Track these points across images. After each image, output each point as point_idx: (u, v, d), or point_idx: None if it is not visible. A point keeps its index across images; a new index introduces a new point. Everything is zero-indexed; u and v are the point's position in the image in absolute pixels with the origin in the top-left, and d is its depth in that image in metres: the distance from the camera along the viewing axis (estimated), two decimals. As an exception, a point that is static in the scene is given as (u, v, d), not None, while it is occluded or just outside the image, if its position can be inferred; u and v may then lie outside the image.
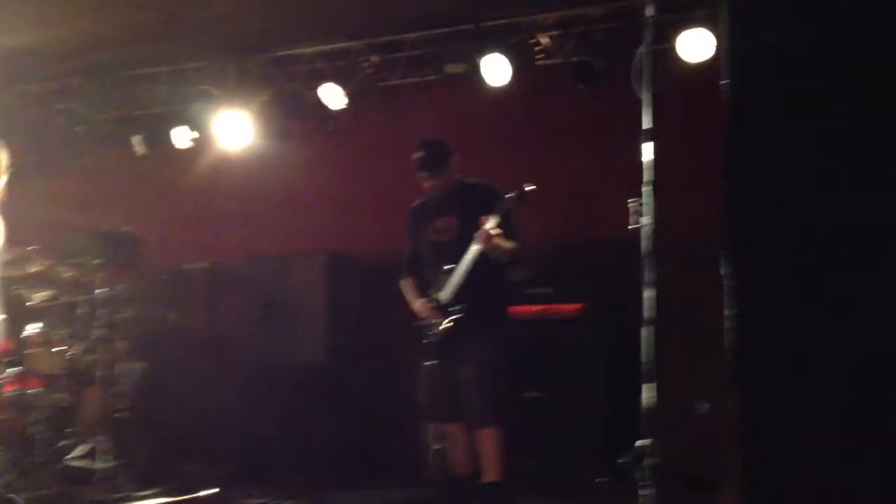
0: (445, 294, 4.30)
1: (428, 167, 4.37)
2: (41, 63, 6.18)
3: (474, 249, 4.18)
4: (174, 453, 5.72)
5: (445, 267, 4.28)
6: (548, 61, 5.40)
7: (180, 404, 5.78)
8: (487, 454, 4.27)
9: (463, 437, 4.41)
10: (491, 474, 4.28)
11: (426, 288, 4.44)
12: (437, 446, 4.87)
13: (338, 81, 5.66)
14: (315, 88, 5.71)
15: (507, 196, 4.19)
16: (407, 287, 4.55)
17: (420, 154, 4.39)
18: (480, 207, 4.26)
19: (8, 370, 5.50)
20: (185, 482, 5.24)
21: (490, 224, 4.12)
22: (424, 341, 4.36)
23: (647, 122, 2.94)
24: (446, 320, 4.26)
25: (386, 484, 5.24)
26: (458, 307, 4.24)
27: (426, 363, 4.36)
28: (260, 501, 4.91)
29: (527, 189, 4.19)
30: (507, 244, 4.17)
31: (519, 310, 4.98)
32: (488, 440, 4.26)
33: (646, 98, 2.95)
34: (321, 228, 6.20)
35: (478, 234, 4.15)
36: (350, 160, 6.21)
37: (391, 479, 5.28)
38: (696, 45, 4.90)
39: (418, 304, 4.40)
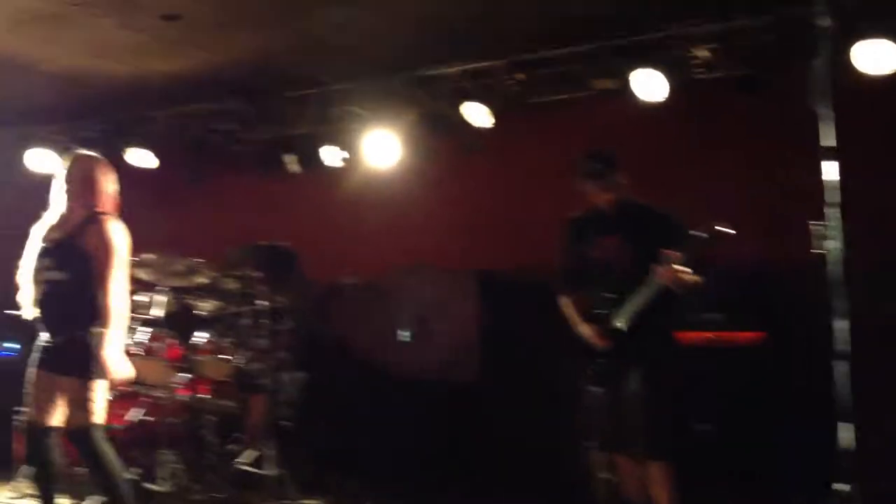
0: (617, 320, 4.21)
1: (596, 176, 4.30)
2: (199, 86, 6.64)
3: (656, 282, 4.07)
4: (333, 464, 6.05)
5: (615, 294, 4.21)
6: (707, 75, 5.29)
7: (335, 417, 6.09)
8: (656, 488, 4.22)
9: (631, 469, 4.36)
10: None
11: (586, 305, 4.36)
12: (603, 475, 4.90)
13: (483, 99, 5.81)
14: (461, 107, 5.88)
15: (698, 235, 3.99)
16: (568, 305, 4.45)
17: (589, 162, 4.33)
18: (654, 233, 4.18)
19: (179, 375, 5.99)
20: (343, 493, 5.58)
21: (677, 263, 3.98)
22: (590, 366, 4.32)
23: (828, 140, 2.81)
24: (613, 345, 4.21)
25: None
26: (627, 334, 4.18)
27: (591, 389, 4.32)
28: None
29: (722, 231, 3.96)
30: (691, 280, 4.05)
31: (688, 336, 4.89)
32: (657, 474, 4.21)
33: (825, 113, 2.82)
34: (469, 245, 6.39)
35: (662, 270, 4.04)
36: (496, 178, 6.36)
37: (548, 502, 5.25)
38: (875, 57, 4.62)
39: (587, 329, 4.30)
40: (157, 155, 6.99)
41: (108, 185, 4.26)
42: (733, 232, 3.93)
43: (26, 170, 7.28)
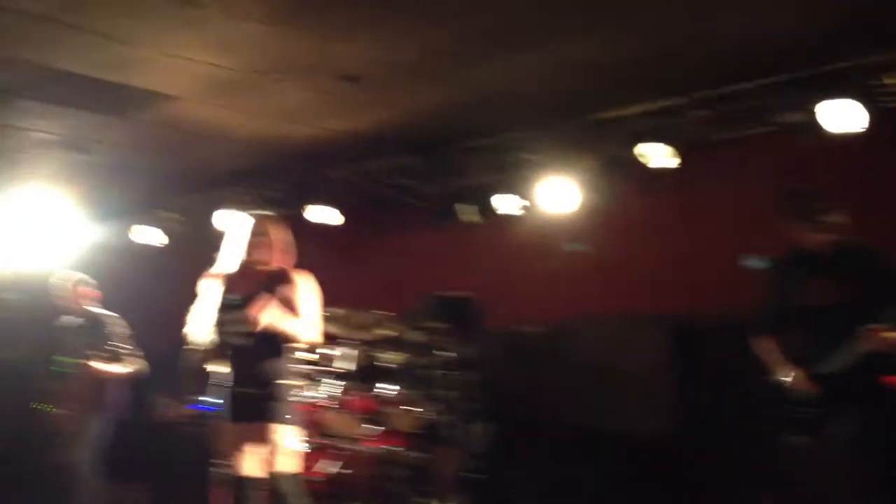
0: (827, 368, 4.07)
1: (805, 217, 4.16)
2: (377, 143, 6.91)
3: (865, 347, 3.93)
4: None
5: (826, 339, 4.05)
6: (896, 103, 5.02)
7: (525, 468, 6.09)
8: None
9: None
10: None
11: (787, 350, 4.22)
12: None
13: (663, 139, 5.74)
14: (641, 149, 5.82)
15: None
16: (768, 348, 4.31)
17: (796, 201, 4.20)
18: (866, 272, 4.05)
19: (369, 428, 6.20)
20: None
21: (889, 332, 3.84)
22: (792, 414, 4.19)
23: None
24: (821, 392, 4.07)
25: None
26: (837, 380, 4.04)
27: (793, 440, 4.20)
28: None
29: None
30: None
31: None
32: None
33: None
34: (654, 290, 6.27)
35: (868, 335, 3.91)
36: (680, 220, 6.24)
37: None
38: None
39: (791, 373, 4.17)
40: (342, 211, 7.33)
41: (290, 242, 4.46)
42: None
43: (215, 230, 7.83)
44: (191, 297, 6.82)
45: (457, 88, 5.75)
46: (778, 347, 4.28)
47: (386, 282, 7.50)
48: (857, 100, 4.98)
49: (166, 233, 8.34)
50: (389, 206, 7.32)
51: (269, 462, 4.17)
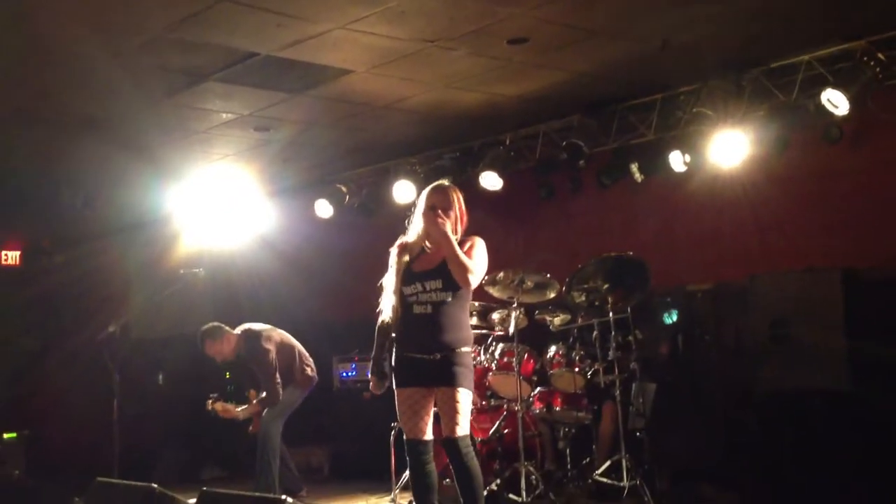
0: None
1: None
2: (545, 105, 7.20)
3: None
4: (691, 475, 6.21)
5: None
6: None
7: (692, 426, 6.25)
8: None
9: None
10: None
11: None
12: None
13: (839, 86, 5.71)
14: (815, 96, 5.81)
15: None
16: None
17: None
18: None
19: (535, 389, 6.55)
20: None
21: None
22: None
23: None
24: None
25: None
26: None
27: None
28: None
29: None
30: None
31: None
32: None
33: None
34: (829, 243, 6.26)
35: None
36: (857, 169, 6.18)
37: None
38: None
39: None
40: (507, 176, 7.69)
41: (464, 212, 4.72)
42: None
43: (392, 201, 8.41)
44: (363, 267, 7.46)
45: (626, 44, 5.91)
46: None
47: (553, 244, 7.79)
48: None
49: (341, 206, 8.87)
50: (557, 168, 7.56)
51: (449, 425, 4.46)
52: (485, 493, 5.34)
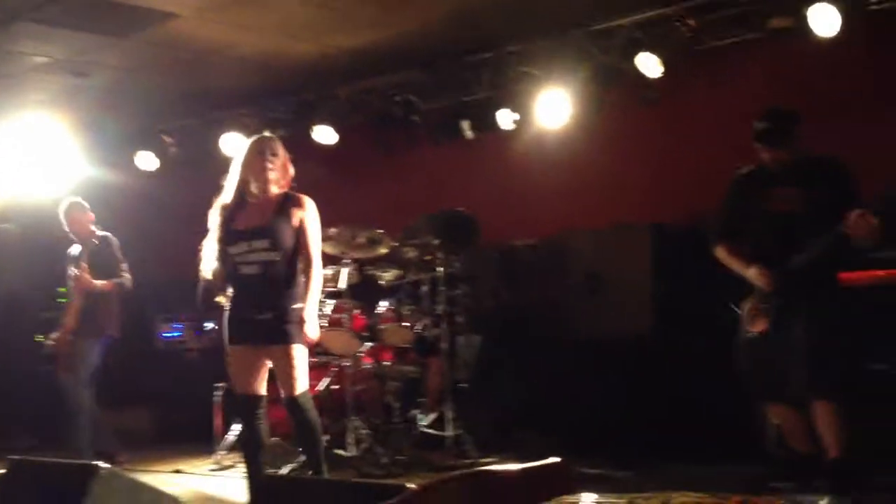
0: (793, 266, 4.61)
1: (770, 141, 4.68)
2: (379, 60, 7.52)
3: (840, 232, 4.38)
4: (511, 422, 6.76)
5: (789, 243, 4.60)
6: (883, 5, 5.56)
7: (514, 376, 6.82)
8: (823, 429, 4.54)
9: (794, 417, 4.77)
10: (833, 451, 4.52)
11: (749, 255, 4.81)
12: (777, 422, 5.37)
13: (655, 49, 6.31)
14: (632, 59, 6.39)
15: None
16: (727, 253, 4.94)
17: (764, 125, 4.70)
18: (827, 181, 4.61)
19: (364, 344, 6.92)
20: (523, 450, 6.11)
21: (869, 218, 4.29)
22: (751, 312, 4.80)
23: None
24: (779, 289, 4.63)
25: (722, 458, 5.63)
26: (796, 278, 4.59)
27: (749, 336, 4.82)
28: (594, 472, 5.61)
29: None
30: (878, 230, 4.32)
31: (861, 275, 5.20)
32: (820, 413, 4.54)
33: None
34: (643, 200, 6.91)
35: (855, 221, 4.33)
36: (670, 129, 6.83)
37: (728, 454, 5.64)
38: None
39: (753, 271, 4.74)
40: (341, 130, 7.98)
41: (290, 164, 4.85)
42: None
43: (221, 153, 8.54)
44: (191, 223, 7.53)
45: (457, 1, 6.29)
46: (737, 251, 4.89)
47: (385, 199, 8.12)
48: (843, 2, 5.49)
49: (166, 158, 8.94)
50: (391, 124, 7.89)
51: (287, 383, 4.66)
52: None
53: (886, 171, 4.46)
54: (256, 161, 4.72)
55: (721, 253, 5.01)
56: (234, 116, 8.55)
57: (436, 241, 6.66)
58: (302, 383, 4.70)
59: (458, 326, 6.68)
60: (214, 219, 4.78)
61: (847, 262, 4.85)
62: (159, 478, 6.23)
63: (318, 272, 4.79)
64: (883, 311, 5.20)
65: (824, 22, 5.57)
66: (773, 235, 4.77)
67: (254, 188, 4.74)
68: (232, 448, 6.66)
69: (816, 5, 5.57)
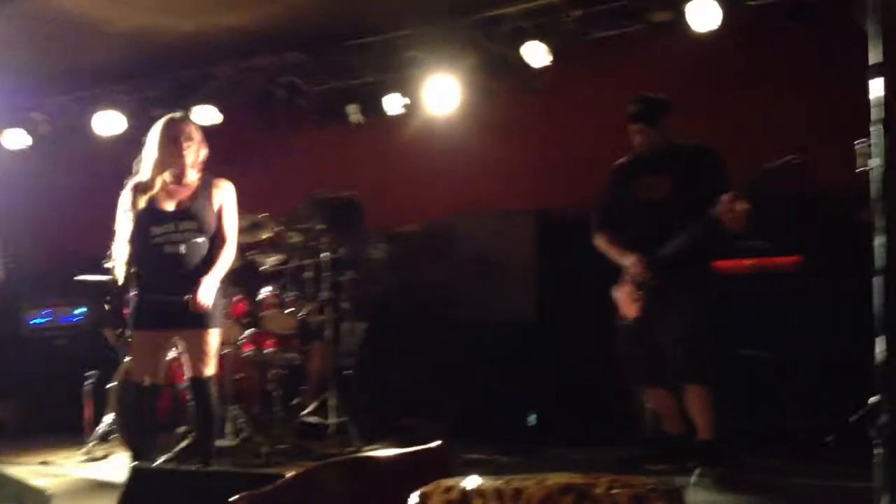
0: (665, 253, 4.85)
1: (644, 118, 4.95)
2: (262, 39, 7.44)
3: (710, 218, 4.62)
4: (396, 409, 6.84)
5: (661, 230, 4.84)
6: (759, 0, 5.83)
7: (400, 362, 6.90)
8: (695, 412, 4.80)
9: (669, 400, 5.01)
10: (704, 433, 4.79)
11: (625, 244, 5.04)
12: (650, 405, 5.62)
13: (541, 39, 6.44)
14: (519, 48, 6.51)
15: (770, 167, 4.49)
16: (605, 242, 5.16)
17: (637, 106, 4.98)
18: (697, 169, 4.86)
19: (245, 331, 6.87)
20: (408, 436, 6.22)
21: (739, 202, 4.52)
22: (626, 298, 5.01)
23: (874, 57, 3.07)
24: (653, 276, 4.87)
25: (600, 441, 5.91)
26: (669, 266, 4.82)
27: (627, 322, 5.05)
28: (478, 457, 5.74)
29: (794, 163, 4.42)
30: (747, 216, 4.56)
31: (731, 264, 5.52)
32: (693, 397, 4.79)
33: (873, 30, 3.08)
34: (529, 187, 7.06)
35: (725, 207, 4.55)
36: (555, 118, 7.01)
37: (606, 437, 5.95)
38: None
39: (629, 260, 4.96)
40: (222, 111, 7.88)
41: (204, 144, 4.97)
42: (799, 162, 4.44)
43: (94, 132, 8.35)
44: (64, 204, 7.29)
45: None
46: (615, 240, 5.12)
47: (270, 183, 8.07)
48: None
49: (37, 137, 8.66)
50: (274, 106, 7.83)
51: (197, 366, 4.77)
52: (188, 441, 5.71)
53: (758, 162, 4.68)
54: (172, 146, 4.80)
55: (600, 242, 5.22)
56: (109, 94, 8.34)
57: (321, 226, 6.67)
58: (211, 367, 4.82)
59: (342, 313, 6.71)
60: (128, 199, 4.80)
61: (719, 250, 5.08)
62: (25, 469, 6.06)
63: (231, 254, 4.96)
64: (752, 299, 5.46)
65: (704, 16, 5.80)
66: (645, 224, 4.99)
67: (170, 174, 4.82)
68: (104, 438, 6.53)
69: (695, 1, 5.78)
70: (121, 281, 4.81)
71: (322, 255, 6.62)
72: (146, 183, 4.80)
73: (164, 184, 4.80)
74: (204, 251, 4.82)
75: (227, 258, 4.93)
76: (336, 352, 6.65)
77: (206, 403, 4.81)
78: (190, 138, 4.84)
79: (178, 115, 5.03)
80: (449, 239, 6.89)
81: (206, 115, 7.87)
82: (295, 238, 6.79)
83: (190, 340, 4.79)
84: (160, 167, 4.79)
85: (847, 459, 4.21)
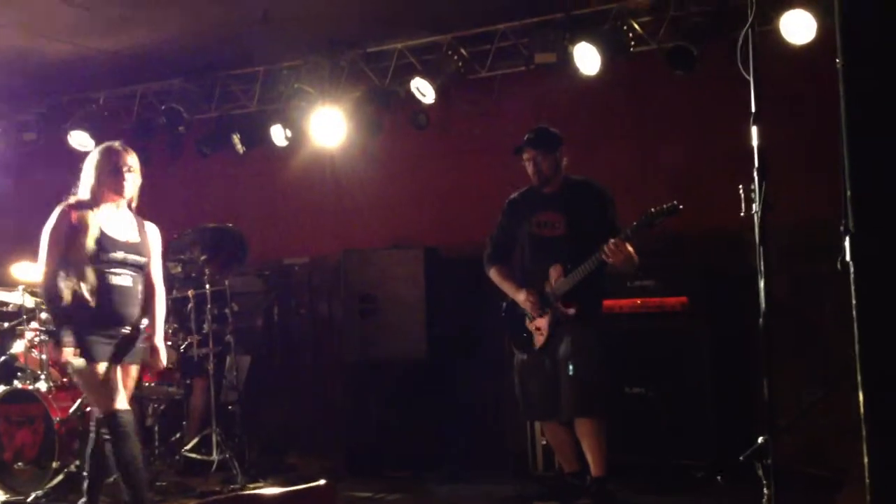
0: (557, 289, 4.89)
1: (541, 145, 4.95)
2: (143, 65, 7.21)
3: (599, 258, 4.68)
4: (281, 446, 6.68)
5: (551, 265, 4.89)
6: (642, 48, 5.94)
7: (285, 397, 6.76)
8: (587, 446, 4.82)
9: (563, 435, 5.01)
10: (595, 469, 4.81)
11: (518, 279, 5.06)
12: (543, 441, 5.62)
13: (428, 76, 6.41)
14: (406, 83, 6.48)
15: (653, 211, 4.60)
16: (499, 275, 5.16)
17: (534, 133, 4.99)
18: (589, 206, 4.93)
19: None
20: (293, 474, 6.11)
21: (623, 243, 4.62)
22: (519, 334, 5.05)
23: (755, 105, 3.23)
24: (543, 312, 4.90)
25: (491, 478, 5.86)
26: (559, 302, 4.87)
27: (521, 357, 5.06)
28: (365, 495, 5.65)
29: (679, 208, 4.56)
30: (634, 259, 4.68)
31: (620, 303, 5.59)
32: (585, 431, 4.81)
33: (753, 80, 3.24)
34: (416, 222, 7.05)
35: (612, 249, 4.62)
36: (442, 154, 7.01)
37: (497, 474, 5.90)
38: (797, 27, 5.33)
39: (522, 295, 4.97)
40: (101, 137, 7.57)
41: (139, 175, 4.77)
42: (681, 207, 4.57)
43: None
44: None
45: (229, 10, 6.11)
46: (509, 274, 5.14)
47: (147, 212, 7.81)
48: (605, 43, 5.82)
49: None
50: (155, 133, 7.58)
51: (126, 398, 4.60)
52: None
53: (639, 204, 4.78)
54: (114, 176, 4.64)
55: (494, 276, 5.22)
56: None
57: (203, 257, 6.49)
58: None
59: (226, 346, 6.52)
60: (66, 217, 4.56)
61: (607, 288, 5.12)
62: None
63: (163, 296, 4.87)
64: (638, 337, 5.56)
65: (588, 60, 5.89)
66: (538, 259, 5.01)
67: (110, 200, 4.66)
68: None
69: (579, 44, 5.88)
70: (67, 300, 4.51)
71: (205, 286, 6.43)
72: (88, 203, 4.61)
73: (101, 208, 4.62)
74: (142, 285, 4.70)
75: (162, 303, 4.86)
76: (219, 386, 6.45)
77: (123, 438, 4.57)
78: (131, 171, 4.70)
79: (117, 145, 4.79)
80: (336, 273, 6.78)
81: (82, 140, 7.55)
82: (176, 269, 6.56)
83: (126, 375, 4.69)
84: (98, 191, 4.64)
85: (736, 498, 4.39)
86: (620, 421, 5.11)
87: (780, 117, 4.57)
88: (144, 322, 4.71)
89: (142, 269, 4.71)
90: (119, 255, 4.59)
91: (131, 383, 4.75)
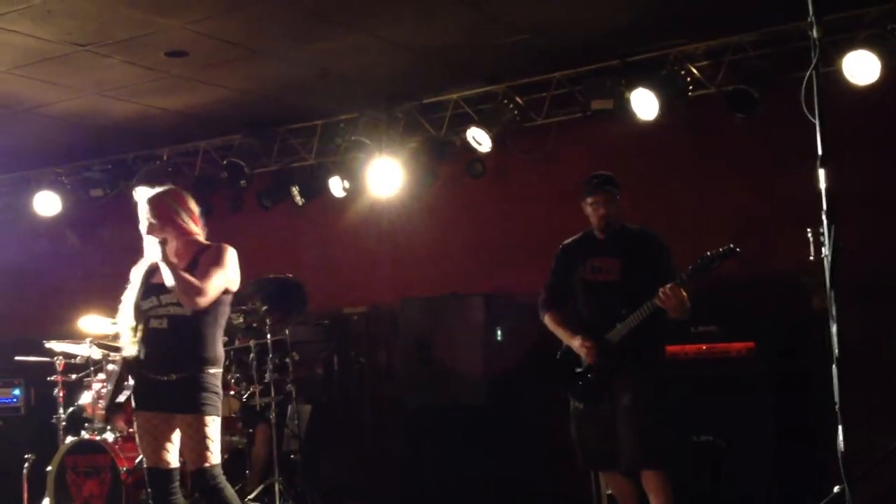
0: (613, 336, 4.58)
1: (605, 189, 4.65)
2: (205, 122, 7.11)
3: (654, 304, 4.41)
4: (341, 494, 6.39)
5: (608, 312, 4.59)
6: (700, 92, 5.71)
7: (344, 446, 6.47)
8: (654, 499, 4.46)
9: (628, 487, 4.66)
10: None
11: (573, 325, 4.74)
12: (608, 492, 5.25)
13: (483, 124, 6.22)
14: (461, 133, 6.29)
15: (709, 255, 4.37)
16: (553, 321, 4.84)
17: (598, 178, 4.70)
18: (644, 251, 4.64)
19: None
20: None
21: (677, 290, 4.34)
22: (578, 382, 4.72)
23: (821, 148, 3.00)
24: (602, 360, 4.58)
25: None
26: (620, 350, 4.55)
27: (577, 406, 4.73)
28: None
29: (736, 251, 4.34)
30: (687, 306, 4.38)
31: (683, 349, 5.30)
32: (652, 486, 4.47)
33: (818, 122, 3.01)
34: (472, 270, 6.78)
35: (667, 294, 4.35)
36: (498, 201, 6.78)
37: None
38: (860, 68, 5.12)
39: (577, 341, 4.67)
40: (163, 192, 7.45)
41: (184, 215, 4.32)
42: (738, 250, 4.31)
43: (34, 213, 7.86)
44: (7, 284, 6.75)
45: (289, 67, 6.01)
46: (563, 320, 4.82)
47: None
48: (662, 88, 5.59)
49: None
50: (217, 187, 7.44)
51: (194, 455, 4.09)
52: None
53: (698, 248, 4.50)
54: (183, 215, 4.32)
55: (548, 322, 4.90)
56: (48, 174, 7.91)
57: (264, 308, 6.26)
58: (214, 456, 4.11)
59: (287, 395, 6.27)
60: (136, 275, 4.28)
61: (668, 334, 4.81)
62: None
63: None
64: (704, 384, 5.23)
65: (644, 105, 5.64)
66: (593, 305, 4.73)
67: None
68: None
69: (636, 90, 5.62)
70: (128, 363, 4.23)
71: (266, 336, 6.19)
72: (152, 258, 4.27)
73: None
74: (194, 325, 4.11)
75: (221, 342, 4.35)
76: (281, 435, 6.18)
77: (211, 494, 4.13)
78: (156, 218, 4.28)
79: (150, 190, 4.43)
80: (394, 321, 6.55)
81: (145, 195, 7.40)
82: (238, 319, 6.33)
83: (184, 427, 4.10)
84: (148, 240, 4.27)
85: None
86: (688, 470, 4.77)
87: (845, 158, 4.25)
88: (212, 370, 4.22)
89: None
90: (153, 300, 4.20)
91: (192, 437, 4.15)
